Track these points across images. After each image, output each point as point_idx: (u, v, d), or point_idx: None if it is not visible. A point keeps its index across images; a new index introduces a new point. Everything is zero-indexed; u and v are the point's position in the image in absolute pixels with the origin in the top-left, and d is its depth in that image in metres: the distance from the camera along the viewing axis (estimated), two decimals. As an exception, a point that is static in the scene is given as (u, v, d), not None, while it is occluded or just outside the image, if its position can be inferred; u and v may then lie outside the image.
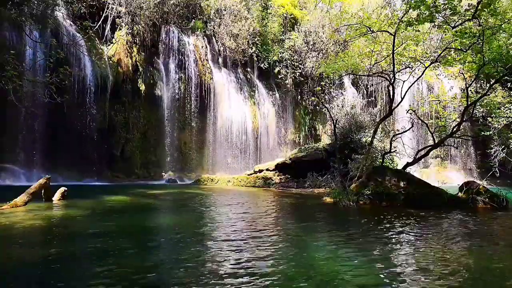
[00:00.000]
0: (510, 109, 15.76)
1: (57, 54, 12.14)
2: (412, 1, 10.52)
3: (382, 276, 3.94)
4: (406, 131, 13.49)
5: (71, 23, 18.01)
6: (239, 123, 23.08)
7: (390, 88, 12.98)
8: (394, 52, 11.67)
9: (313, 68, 25.02)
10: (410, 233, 6.35)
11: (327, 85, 25.60)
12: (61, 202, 8.97)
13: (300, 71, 25.56)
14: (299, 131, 26.78)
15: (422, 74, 13.32)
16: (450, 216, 8.39)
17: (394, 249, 5.16)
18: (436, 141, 12.75)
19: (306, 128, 27.10)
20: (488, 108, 15.38)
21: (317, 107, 25.55)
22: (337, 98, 23.33)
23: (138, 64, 20.11)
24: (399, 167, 13.24)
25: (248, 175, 18.23)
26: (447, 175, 24.14)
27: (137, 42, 20.26)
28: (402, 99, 12.71)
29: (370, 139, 13.37)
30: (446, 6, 10.65)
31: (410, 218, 7.85)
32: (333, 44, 25.41)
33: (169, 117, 20.84)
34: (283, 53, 25.28)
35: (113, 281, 3.60)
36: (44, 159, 16.00)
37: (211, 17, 23.51)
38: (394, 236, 6.11)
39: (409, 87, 12.99)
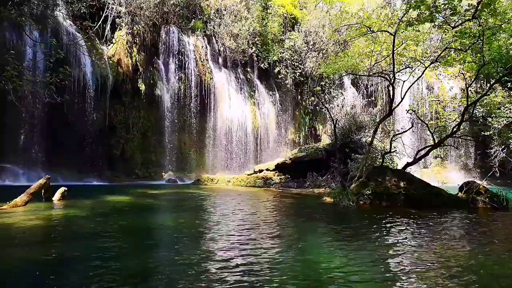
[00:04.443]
0: (510, 109, 15.76)
1: (57, 54, 12.13)
2: (412, 1, 10.52)
3: (382, 275, 3.94)
4: (406, 131, 13.50)
5: (71, 23, 17.99)
6: (239, 123, 23.06)
7: (390, 88, 12.99)
8: (394, 52, 11.67)
9: (313, 68, 25.00)
10: (410, 233, 6.35)
11: (327, 85, 25.56)
12: (61, 202, 8.97)
13: (300, 71, 25.54)
14: (299, 131, 26.76)
15: (422, 74, 13.31)
16: (450, 216, 8.39)
17: (394, 249, 5.16)
18: (436, 141, 12.75)
19: (306, 128, 27.08)
20: (488, 108, 15.37)
21: (317, 107, 25.53)
22: (337, 98, 23.32)
23: (138, 64, 20.09)
24: (399, 167, 13.24)
25: (248, 175, 18.24)
26: (447, 175, 24.10)
27: (137, 42, 20.25)
28: (402, 99, 12.70)
29: (370, 139, 13.37)
30: (446, 6, 10.66)
31: (410, 218, 7.85)
32: (333, 44, 25.37)
33: (169, 117, 20.83)
34: (283, 53, 25.26)
35: (113, 282, 3.60)
36: (44, 159, 15.99)
37: (211, 17, 23.49)
38: (394, 236, 6.11)
39: (409, 87, 12.99)
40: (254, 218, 7.91)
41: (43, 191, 8.76)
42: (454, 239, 5.91)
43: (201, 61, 22.25)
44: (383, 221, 7.45)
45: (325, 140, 23.66)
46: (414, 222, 7.40)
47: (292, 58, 25.44)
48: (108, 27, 19.16)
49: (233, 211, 8.69)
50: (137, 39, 20.23)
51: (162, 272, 3.99)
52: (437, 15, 11.07)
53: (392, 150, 12.99)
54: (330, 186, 14.16)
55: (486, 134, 18.14)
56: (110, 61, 18.79)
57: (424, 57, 14.08)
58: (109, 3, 18.89)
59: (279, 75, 25.46)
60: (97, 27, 18.28)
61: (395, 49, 11.62)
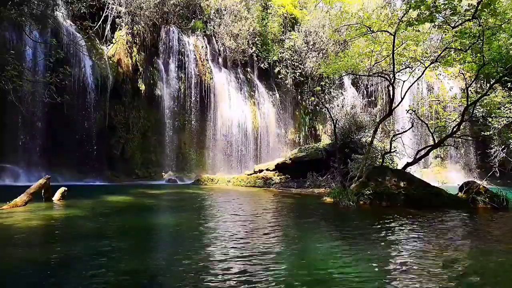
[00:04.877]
0: (510, 109, 15.76)
1: (57, 54, 12.12)
2: (412, 1, 10.52)
3: (383, 276, 3.94)
4: (406, 131, 13.49)
5: (71, 23, 17.99)
6: (239, 123, 23.06)
7: (390, 88, 12.99)
8: (394, 52, 11.67)
9: (313, 68, 25.00)
10: (410, 233, 6.35)
11: (327, 85, 25.58)
12: (61, 202, 8.97)
13: (300, 71, 25.54)
14: (299, 131, 26.77)
15: (422, 74, 13.32)
16: (450, 216, 8.39)
17: (395, 250, 5.16)
18: (436, 141, 12.75)
19: (306, 128, 27.09)
20: (488, 108, 15.37)
21: (317, 107, 25.53)
22: (337, 98, 23.32)
23: (138, 64, 20.09)
24: (399, 167, 13.24)
25: (248, 175, 18.23)
26: (447, 175, 24.11)
27: (137, 42, 20.24)
28: (402, 99, 12.70)
29: (370, 139, 13.37)
30: (446, 6, 10.66)
31: (410, 218, 7.85)
32: (333, 44, 25.39)
33: (169, 117, 20.83)
34: (283, 53, 25.26)
35: (113, 282, 3.60)
36: (44, 159, 15.98)
37: (211, 17, 23.50)
38: (395, 236, 6.11)
39: (409, 87, 12.99)
40: (254, 218, 7.91)
41: (43, 191, 8.75)
42: (455, 239, 5.91)
43: (201, 61, 22.25)
44: (384, 221, 7.45)
45: (325, 140, 23.65)
46: (414, 222, 7.40)
47: (292, 58, 25.44)
48: (108, 27, 19.16)
49: (233, 211, 8.68)
50: (137, 39, 20.22)
51: (162, 272, 3.99)
52: (437, 15, 11.07)
53: (392, 150, 12.98)
54: (330, 186, 14.16)
55: (486, 134, 18.15)
56: (110, 61, 18.79)
57: (424, 57, 14.09)
58: (109, 3, 18.90)
59: (279, 75, 25.47)
60: (97, 27, 18.28)
61: (395, 49, 11.62)
